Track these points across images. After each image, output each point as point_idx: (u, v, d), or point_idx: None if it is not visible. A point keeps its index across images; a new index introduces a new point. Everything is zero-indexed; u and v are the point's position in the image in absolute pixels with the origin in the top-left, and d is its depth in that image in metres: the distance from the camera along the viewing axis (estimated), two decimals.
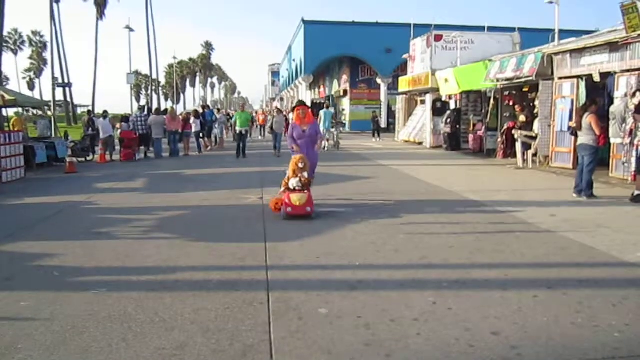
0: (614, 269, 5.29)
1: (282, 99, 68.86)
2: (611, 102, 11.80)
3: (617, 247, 6.01)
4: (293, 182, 7.92)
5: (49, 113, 29.40)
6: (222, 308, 4.23)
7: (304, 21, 40.22)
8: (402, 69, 31.46)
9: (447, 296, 4.45)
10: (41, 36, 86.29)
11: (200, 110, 23.60)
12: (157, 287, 4.75)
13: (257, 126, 34.25)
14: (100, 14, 55.87)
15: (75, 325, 3.93)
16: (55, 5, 49.35)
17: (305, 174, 8.02)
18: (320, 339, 3.67)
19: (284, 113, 24.47)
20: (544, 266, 5.39)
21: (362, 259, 5.64)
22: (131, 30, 42.81)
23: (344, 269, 5.28)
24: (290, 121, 11.26)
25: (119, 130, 19.01)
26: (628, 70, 11.29)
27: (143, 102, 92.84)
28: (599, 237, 6.45)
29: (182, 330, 3.82)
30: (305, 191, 7.85)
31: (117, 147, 18.94)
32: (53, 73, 27.89)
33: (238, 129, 18.88)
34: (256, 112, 44.90)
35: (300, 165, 7.99)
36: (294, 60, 49.47)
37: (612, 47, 11.84)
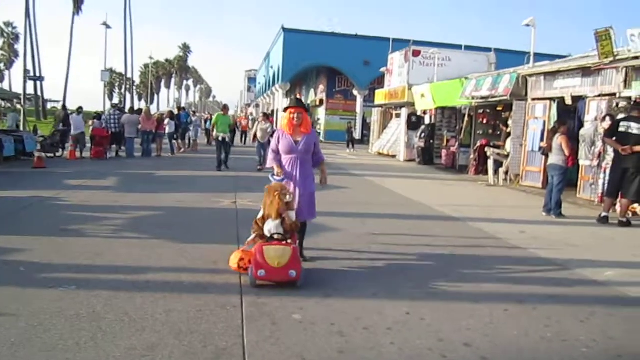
0: (582, 286, 5.41)
1: (257, 105, 68.67)
2: (581, 125, 12.12)
3: (585, 265, 6.15)
4: (271, 226, 5.13)
5: (18, 106, 28.68)
6: (194, 310, 4.17)
7: (284, 29, 40.33)
8: (379, 81, 31.75)
9: (421, 307, 4.48)
10: (14, 27, 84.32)
11: (176, 112, 23.38)
12: (127, 287, 4.66)
13: (240, 132, 32.63)
14: (77, 8, 54.98)
15: (42, 322, 3.82)
16: None
17: (292, 215, 5.33)
18: (294, 344, 3.64)
19: (272, 120, 20.66)
20: (514, 281, 5.48)
21: (336, 267, 5.64)
22: (108, 27, 42.31)
23: (318, 276, 5.26)
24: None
25: (91, 127, 18.66)
26: (599, 95, 11.63)
27: (116, 100, 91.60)
28: (568, 255, 6.59)
29: (153, 330, 3.75)
30: (289, 242, 5.14)
31: (88, 145, 18.57)
32: (25, 65, 27.19)
33: (219, 135, 15.68)
34: (239, 117, 43.47)
35: (288, 198, 5.25)
36: (271, 67, 49.47)
37: (585, 72, 12.19)
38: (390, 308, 4.42)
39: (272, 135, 14.07)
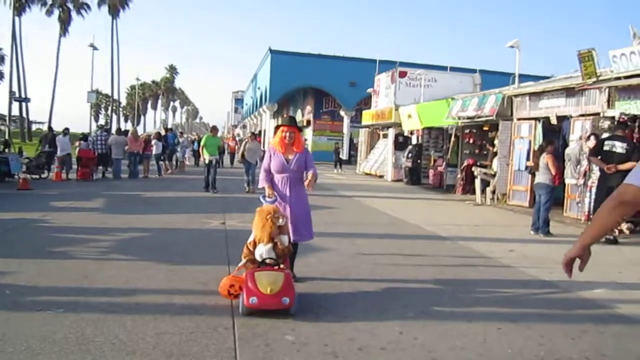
0: (572, 304, 5.43)
1: (244, 126, 68.80)
2: (566, 144, 12.28)
3: (575, 283, 6.14)
4: (262, 251, 4.92)
5: (2, 128, 28.48)
6: (185, 332, 4.11)
7: (271, 50, 40.60)
8: (366, 102, 32.02)
9: (413, 326, 4.47)
10: None
11: (163, 133, 23.32)
12: (116, 309, 4.59)
13: (227, 153, 31.02)
14: (64, 30, 54.92)
15: (30, 346, 3.74)
16: (17, 18, 48.39)
17: (285, 239, 5.07)
18: None
19: (259, 140, 20.14)
20: (506, 299, 5.49)
21: (327, 287, 5.60)
22: (95, 48, 42.34)
23: (309, 296, 5.23)
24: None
25: (77, 149, 18.51)
26: (583, 115, 11.82)
27: (102, 121, 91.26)
28: (557, 273, 6.59)
29: (143, 353, 3.69)
30: (282, 267, 4.97)
31: (74, 166, 18.41)
32: (11, 87, 27.15)
33: (207, 157, 15.07)
34: (226, 138, 42.23)
35: (281, 221, 5.04)
36: (259, 88, 49.73)
37: (569, 92, 12.41)
38: (383, 328, 4.40)
39: (261, 157, 13.72)
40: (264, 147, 19.60)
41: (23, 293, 4.98)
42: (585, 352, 4.05)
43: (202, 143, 15.84)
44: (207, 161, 15.11)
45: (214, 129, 16.66)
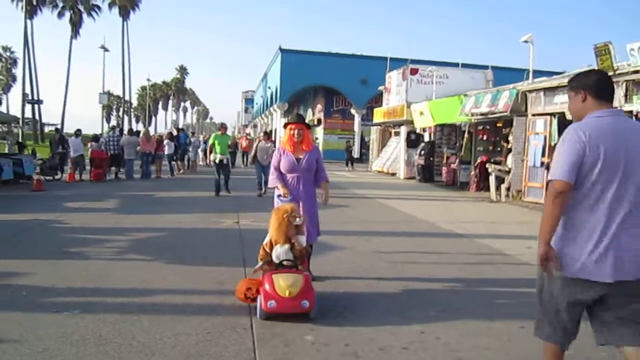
0: None
1: (255, 126, 68.86)
2: None
3: None
4: (280, 252, 4.72)
5: (15, 130, 28.69)
6: (203, 333, 4.06)
7: (281, 49, 40.59)
8: (377, 100, 31.90)
9: (435, 325, 4.38)
10: (12, 52, 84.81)
11: (175, 133, 23.37)
12: (133, 310, 4.55)
13: (240, 153, 30.11)
14: (75, 32, 55.28)
15: (47, 347, 3.70)
16: (29, 21, 48.72)
17: (302, 239, 4.90)
18: None
19: (272, 140, 18.61)
20: (528, 297, 5.34)
21: (345, 286, 5.53)
22: (106, 50, 42.58)
23: (328, 296, 5.15)
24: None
25: (90, 150, 18.57)
26: None
27: (113, 122, 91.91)
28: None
29: (162, 354, 3.64)
30: (300, 268, 4.77)
31: (88, 167, 18.48)
32: (24, 89, 27.37)
33: (218, 156, 13.88)
34: (239, 137, 40.76)
35: (298, 221, 4.83)
36: (269, 87, 49.75)
37: None
38: (403, 327, 4.31)
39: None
40: (274, 146, 19.09)
41: (39, 294, 4.96)
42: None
43: (210, 142, 14.75)
44: (217, 160, 13.92)
45: (223, 127, 15.47)
